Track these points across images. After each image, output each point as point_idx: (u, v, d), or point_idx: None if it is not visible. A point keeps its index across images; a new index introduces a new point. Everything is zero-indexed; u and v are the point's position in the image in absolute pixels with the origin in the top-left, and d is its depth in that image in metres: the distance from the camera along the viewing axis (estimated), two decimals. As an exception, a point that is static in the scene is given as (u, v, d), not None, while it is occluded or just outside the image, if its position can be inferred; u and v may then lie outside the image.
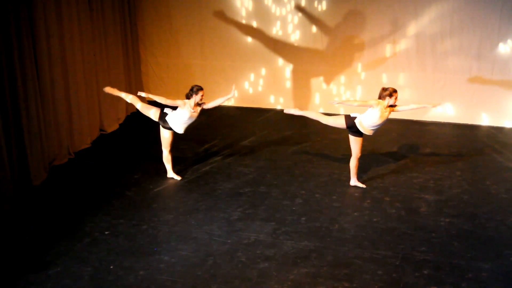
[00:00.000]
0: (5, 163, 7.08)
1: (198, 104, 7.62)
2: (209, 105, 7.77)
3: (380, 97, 7.26)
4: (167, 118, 7.64)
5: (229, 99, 7.94)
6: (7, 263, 5.96)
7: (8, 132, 7.27)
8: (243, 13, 10.86)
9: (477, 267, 5.89)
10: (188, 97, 7.58)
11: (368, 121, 7.28)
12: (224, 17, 11.00)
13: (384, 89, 7.27)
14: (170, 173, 8.00)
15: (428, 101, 9.41)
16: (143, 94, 7.44)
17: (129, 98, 7.86)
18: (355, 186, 7.70)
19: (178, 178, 7.97)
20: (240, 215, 6.99)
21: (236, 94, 8.10)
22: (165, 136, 7.78)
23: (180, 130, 7.71)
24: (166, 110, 7.67)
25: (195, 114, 7.65)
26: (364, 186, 7.70)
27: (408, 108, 7.49)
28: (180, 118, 7.59)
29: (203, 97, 7.59)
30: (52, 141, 8.28)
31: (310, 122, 9.82)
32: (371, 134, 7.45)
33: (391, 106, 7.26)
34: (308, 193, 7.59)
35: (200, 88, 7.55)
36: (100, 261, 6.00)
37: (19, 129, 7.51)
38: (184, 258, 6.06)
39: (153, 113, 7.76)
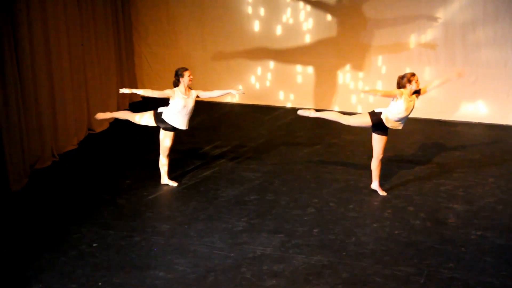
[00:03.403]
0: (-19, 166, 7.13)
1: (190, 88, 7.66)
2: (205, 94, 7.79)
3: (399, 87, 7.31)
4: (163, 117, 7.66)
5: (231, 95, 7.91)
6: (-17, 278, 5.99)
7: (-15, 131, 7.32)
8: (249, -2, 10.90)
9: (512, 287, 5.87)
10: (175, 84, 7.63)
11: (394, 115, 7.31)
12: (228, 2, 11.02)
13: (400, 77, 7.34)
14: (165, 179, 7.99)
15: (454, 75, 9.28)
16: (125, 91, 7.54)
17: (125, 116, 8.03)
18: (375, 194, 7.68)
19: (174, 184, 7.97)
20: (244, 225, 7.00)
21: (237, 95, 7.89)
22: (165, 145, 7.78)
23: (183, 125, 7.72)
24: (160, 109, 7.70)
25: (190, 100, 7.66)
26: (384, 193, 7.70)
27: (433, 86, 7.61)
28: (176, 110, 7.61)
29: (191, 77, 7.62)
30: (34, 141, 8.30)
31: (324, 122, 9.78)
32: (400, 127, 7.46)
33: (415, 92, 7.32)
34: (321, 202, 7.59)
35: (185, 69, 7.62)
36: (87, 277, 6.00)
37: (-3, 128, 7.55)
38: (181, 274, 6.06)
39: (149, 119, 7.79)
